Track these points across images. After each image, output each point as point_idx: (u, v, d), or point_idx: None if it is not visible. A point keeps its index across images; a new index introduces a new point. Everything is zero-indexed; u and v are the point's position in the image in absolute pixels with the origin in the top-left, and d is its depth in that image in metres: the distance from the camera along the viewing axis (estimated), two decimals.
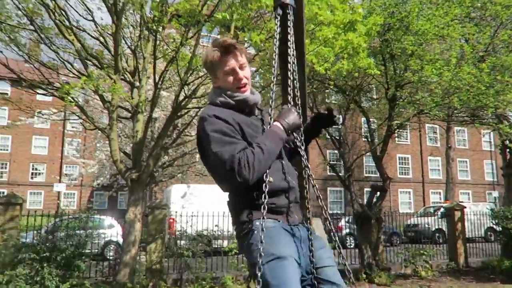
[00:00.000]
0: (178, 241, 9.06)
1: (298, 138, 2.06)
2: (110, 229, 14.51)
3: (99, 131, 17.27)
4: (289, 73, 2.33)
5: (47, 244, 6.91)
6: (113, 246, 14.43)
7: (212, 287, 8.01)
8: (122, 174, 7.57)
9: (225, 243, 9.90)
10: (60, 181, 19.90)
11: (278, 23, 2.21)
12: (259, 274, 1.62)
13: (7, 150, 35.52)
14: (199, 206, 10.35)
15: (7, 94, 34.03)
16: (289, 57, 2.36)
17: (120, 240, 12.95)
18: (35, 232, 8.08)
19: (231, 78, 1.91)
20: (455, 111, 10.73)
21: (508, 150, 12.47)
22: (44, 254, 6.68)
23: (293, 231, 1.83)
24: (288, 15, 2.26)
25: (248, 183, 1.70)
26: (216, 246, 9.41)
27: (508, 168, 12.97)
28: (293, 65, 2.35)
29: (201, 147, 1.84)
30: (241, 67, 1.93)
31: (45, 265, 6.62)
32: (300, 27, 2.58)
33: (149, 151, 7.96)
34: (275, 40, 2.19)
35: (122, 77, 7.76)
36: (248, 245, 1.75)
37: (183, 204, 11.12)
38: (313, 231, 1.96)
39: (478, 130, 16.99)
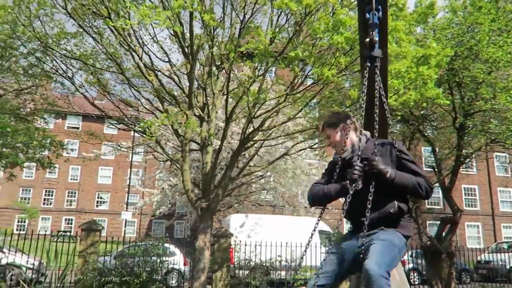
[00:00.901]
0: (237, 271, 9.18)
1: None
2: (172, 257, 14.95)
3: (162, 163, 18.28)
4: (376, 118, 2.54)
5: (127, 269, 7.33)
6: (175, 273, 14.80)
7: None
8: (193, 204, 7.93)
9: (283, 273, 9.85)
10: (127, 210, 20.92)
11: (367, 75, 2.46)
12: None
13: (76, 180, 38.22)
14: (264, 236, 10.46)
15: (78, 128, 37.06)
16: (376, 101, 2.56)
17: (182, 268, 13.31)
18: (108, 257, 8.59)
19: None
20: None
21: None
22: (124, 278, 7.09)
23: None
24: (376, 67, 2.47)
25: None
26: (273, 277, 9.39)
27: None
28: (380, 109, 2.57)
29: None
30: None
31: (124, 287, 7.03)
32: (385, 75, 2.80)
33: (218, 181, 8.29)
34: (363, 87, 2.43)
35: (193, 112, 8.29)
36: None
37: (248, 233, 11.28)
38: None
39: None
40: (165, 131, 11.23)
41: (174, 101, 8.04)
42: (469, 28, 7.83)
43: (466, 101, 8.40)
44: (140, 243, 8.95)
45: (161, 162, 18.61)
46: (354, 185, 2.52)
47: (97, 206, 38.49)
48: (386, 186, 2.44)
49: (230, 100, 8.03)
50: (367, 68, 2.55)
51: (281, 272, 9.65)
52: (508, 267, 16.53)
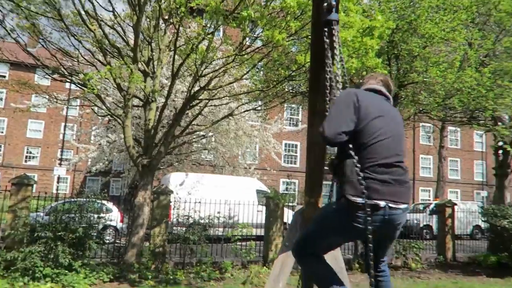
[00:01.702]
0: (175, 227, 9.35)
1: None
2: (109, 213, 14.73)
3: (100, 118, 17.51)
4: (328, 79, 2.69)
5: (62, 225, 7.16)
6: (111, 230, 14.66)
7: (212, 271, 8.33)
8: (134, 160, 7.83)
9: (220, 230, 10.21)
10: (60, 165, 19.97)
11: (327, 39, 2.57)
12: None
13: (2, 132, 35.44)
14: (204, 194, 10.65)
15: (4, 76, 33.87)
16: (328, 63, 2.71)
17: (119, 225, 13.20)
18: (39, 213, 8.30)
19: None
20: (452, 112, 11.14)
21: (501, 151, 12.96)
22: (59, 233, 6.94)
23: None
24: (334, 30, 2.58)
25: None
26: (211, 233, 9.68)
27: (500, 168, 13.47)
28: (332, 73, 2.71)
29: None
30: None
31: (58, 243, 6.89)
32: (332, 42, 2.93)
33: (160, 138, 8.22)
34: (327, 52, 2.54)
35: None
36: None
37: (189, 191, 11.39)
38: None
39: (471, 131, 17.49)
40: (106, 85, 10.72)
41: (117, 54, 7.66)
42: (411, 3, 8.24)
43: (402, 72, 8.96)
44: (75, 199, 8.70)
45: (100, 118, 17.85)
46: None
47: (26, 161, 36.20)
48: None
49: (176, 57, 7.83)
50: (325, 32, 2.62)
51: (219, 228, 9.97)
52: (421, 225, 18.50)
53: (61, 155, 20.88)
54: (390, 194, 2.28)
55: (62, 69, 7.98)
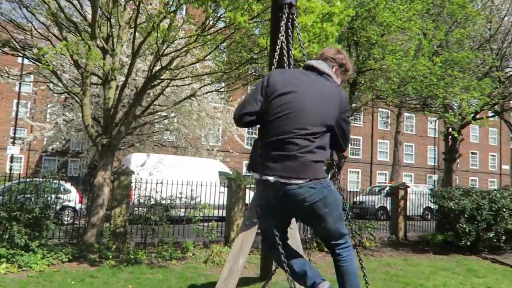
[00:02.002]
0: (135, 208, 9.33)
1: None
2: (67, 194, 14.37)
3: (56, 96, 16.82)
4: (286, 60, 2.82)
5: (18, 205, 6.97)
6: (69, 211, 14.34)
7: (174, 251, 8.43)
8: (93, 140, 7.68)
9: (182, 211, 10.29)
10: (14, 144, 19.07)
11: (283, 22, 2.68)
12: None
13: None
14: (166, 175, 10.63)
15: None
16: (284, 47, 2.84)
17: (77, 206, 12.93)
18: None
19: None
20: (407, 99, 11.66)
21: (450, 137, 13.78)
22: (14, 214, 6.76)
23: None
24: (290, 14, 2.69)
25: None
26: (172, 215, 9.73)
27: (449, 153, 14.34)
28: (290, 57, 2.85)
29: (348, 116, 2.51)
30: None
31: (14, 224, 6.72)
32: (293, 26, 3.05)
33: (119, 118, 8.09)
34: (280, 35, 2.64)
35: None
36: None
37: (150, 171, 11.31)
38: None
39: (425, 118, 18.37)
40: (62, 61, 10.30)
41: (74, 29, 7.39)
42: None
43: (361, 59, 9.25)
44: (32, 179, 8.44)
45: (55, 95, 17.12)
46: None
47: None
48: None
49: (137, 34, 7.67)
50: (282, 15, 2.72)
51: (181, 209, 10.03)
52: (376, 206, 19.41)
53: (14, 133, 19.90)
54: (282, 170, 2.27)
55: (14, 42, 7.60)
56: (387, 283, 7.28)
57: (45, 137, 17.00)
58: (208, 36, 7.29)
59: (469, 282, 7.69)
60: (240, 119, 2.46)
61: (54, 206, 7.66)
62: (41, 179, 7.71)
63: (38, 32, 8.37)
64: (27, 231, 6.86)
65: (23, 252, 6.72)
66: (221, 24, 7.97)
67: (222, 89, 10.22)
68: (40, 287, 5.75)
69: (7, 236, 6.79)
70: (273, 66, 3.24)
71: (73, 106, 16.16)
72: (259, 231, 2.90)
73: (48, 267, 6.79)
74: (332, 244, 2.56)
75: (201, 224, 9.67)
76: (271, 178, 2.30)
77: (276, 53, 2.91)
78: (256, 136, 2.63)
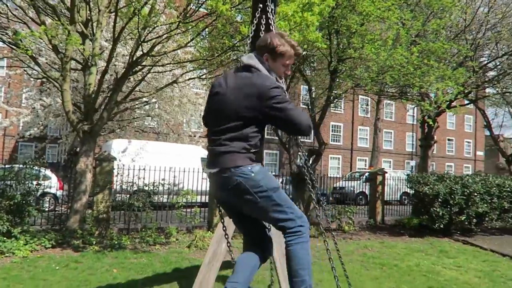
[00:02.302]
0: (118, 194, 9.36)
1: None
2: (47, 181, 14.21)
3: (32, 80, 16.45)
4: None
5: None
6: (50, 197, 14.21)
7: (157, 236, 8.54)
8: (74, 126, 7.64)
9: (165, 197, 10.37)
10: None
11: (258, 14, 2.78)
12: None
13: None
14: (148, 161, 10.66)
15: None
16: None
17: (58, 193, 12.84)
18: None
19: (283, 69, 2.59)
20: (386, 87, 11.93)
21: (426, 124, 14.18)
22: None
23: None
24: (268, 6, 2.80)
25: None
26: (154, 201, 9.81)
27: (425, 140, 14.80)
28: None
29: (276, 102, 2.37)
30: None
31: None
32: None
33: (99, 104, 8.04)
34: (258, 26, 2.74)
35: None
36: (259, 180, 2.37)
37: (133, 158, 11.31)
38: None
39: (404, 105, 18.79)
40: (39, 45, 10.10)
41: (52, 12, 7.27)
42: None
43: (341, 47, 9.40)
44: (11, 165, 8.36)
45: (32, 79, 16.73)
46: None
47: None
48: None
49: (118, 19, 7.59)
50: (261, 5, 2.83)
51: (164, 195, 10.11)
52: (356, 192, 19.89)
53: None
54: (208, 163, 2.53)
55: None
56: (364, 264, 7.60)
57: (21, 122, 16.65)
58: (190, 23, 7.29)
59: (441, 262, 8.09)
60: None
61: (35, 192, 7.63)
62: (21, 166, 7.65)
63: (14, 15, 8.19)
64: (8, 217, 6.86)
65: (5, 238, 6.72)
66: (202, 10, 7.97)
67: (204, 76, 10.22)
68: (25, 273, 5.80)
69: None
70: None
71: (51, 91, 15.84)
72: None
73: (31, 253, 6.82)
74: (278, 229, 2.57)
75: (184, 210, 9.79)
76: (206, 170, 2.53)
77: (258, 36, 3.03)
78: None
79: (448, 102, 11.26)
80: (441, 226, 10.97)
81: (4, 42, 7.32)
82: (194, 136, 18.45)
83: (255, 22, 2.99)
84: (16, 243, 6.74)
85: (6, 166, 8.48)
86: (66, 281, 5.52)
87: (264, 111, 2.35)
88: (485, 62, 14.92)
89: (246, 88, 2.38)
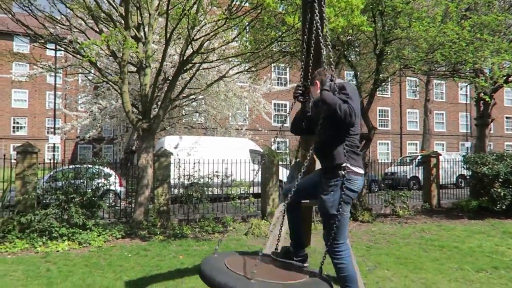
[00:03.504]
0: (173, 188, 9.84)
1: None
2: (109, 178, 15.13)
3: (88, 85, 17.50)
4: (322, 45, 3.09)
5: (74, 187, 7.60)
6: (111, 194, 15.14)
7: (215, 225, 8.95)
8: (134, 125, 8.15)
9: (219, 189, 10.76)
10: (54, 134, 20.12)
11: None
12: None
13: None
14: (201, 155, 11.11)
15: None
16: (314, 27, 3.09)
17: (118, 189, 13.68)
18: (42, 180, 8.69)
19: None
20: (436, 66, 11.53)
21: (482, 102, 13.54)
22: (71, 196, 7.39)
23: None
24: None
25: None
26: (210, 192, 10.19)
27: (481, 118, 14.13)
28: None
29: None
30: None
31: (71, 205, 7.36)
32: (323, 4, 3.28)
33: (159, 103, 8.49)
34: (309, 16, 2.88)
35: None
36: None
37: (188, 152, 11.82)
38: None
39: (456, 84, 17.99)
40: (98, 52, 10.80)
41: (108, 20, 7.79)
42: None
43: (386, 29, 9.22)
44: (80, 165, 9.07)
45: (88, 85, 17.84)
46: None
47: (13, 131, 36.06)
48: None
49: (161, 20, 7.93)
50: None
51: (218, 187, 10.52)
52: (408, 177, 19.40)
53: (54, 123, 20.96)
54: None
55: (54, 37, 8.08)
56: (423, 247, 7.53)
57: (80, 125, 17.78)
58: (237, 19, 7.51)
59: (505, 243, 7.83)
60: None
61: (103, 188, 8.26)
62: (89, 165, 8.29)
63: (74, 27, 8.83)
64: (83, 211, 7.51)
65: (81, 230, 7.38)
66: (246, 4, 8.15)
67: (250, 69, 10.44)
68: (102, 260, 6.36)
69: (66, 217, 7.46)
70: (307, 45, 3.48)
71: (105, 94, 16.84)
72: None
73: (104, 243, 7.44)
74: None
75: (238, 200, 10.14)
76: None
77: (312, 33, 3.16)
78: (285, 114, 3.06)
79: (505, 77, 10.69)
80: (503, 207, 10.53)
81: (68, 52, 7.94)
82: (241, 129, 18.81)
83: (308, 11, 3.12)
84: (91, 235, 7.38)
85: (76, 166, 9.23)
86: (139, 267, 6.00)
87: None
88: None
89: None
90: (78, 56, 8.05)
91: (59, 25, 8.18)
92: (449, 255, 6.89)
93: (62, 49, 8.16)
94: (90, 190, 7.79)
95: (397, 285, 5.25)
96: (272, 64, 11.93)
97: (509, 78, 11.58)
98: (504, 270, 5.96)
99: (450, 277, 5.60)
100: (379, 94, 30.03)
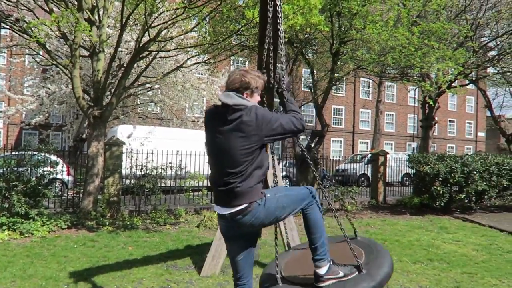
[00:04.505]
0: (124, 179, 9.63)
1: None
2: (55, 167, 14.48)
3: (36, 68, 16.58)
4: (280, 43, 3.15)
5: (16, 175, 7.21)
6: (58, 183, 14.51)
7: (167, 217, 8.86)
8: (85, 111, 7.86)
9: (173, 181, 10.66)
10: None
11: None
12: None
13: None
14: (155, 145, 10.92)
15: None
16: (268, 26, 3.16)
17: (65, 178, 13.14)
18: None
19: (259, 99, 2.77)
20: (387, 68, 12.09)
21: (427, 105, 14.36)
22: (13, 183, 7.01)
23: None
24: None
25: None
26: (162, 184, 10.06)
27: (426, 120, 14.99)
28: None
29: (265, 122, 2.52)
30: None
31: (13, 193, 6.98)
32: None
33: (112, 90, 8.24)
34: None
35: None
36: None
37: (141, 142, 11.56)
38: None
39: (405, 86, 18.93)
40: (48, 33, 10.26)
41: (61, 0, 7.42)
42: None
43: (343, 29, 9.52)
44: (23, 152, 8.60)
45: (35, 67, 16.88)
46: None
47: None
48: None
49: (117, 4, 7.70)
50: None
51: (171, 179, 10.40)
52: (358, 174, 20.19)
53: None
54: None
55: (0, 14, 7.60)
56: None
57: (26, 110, 16.83)
58: (196, 9, 7.43)
59: (441, 237, 8.40)
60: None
61: (48, 176, 7.91)
62: (33, 152, 7.90)
63: (22, 4, 8.34)
64: (26, 200, 7.14)
65: (23, 220, 7.02)
66: None
67: (208, 61, 10.38)
68: (45, 251, 6.11)
69: (6, 205, 7.07)
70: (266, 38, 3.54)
71: (54, 78, 16.02)
72: None
73: (49, 233, 7.14)
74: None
75: (191, 192, 10.09)
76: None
77: (268, 25, 3.21)
78: None
79: (448, 83, 11.41)
80: (442, 204, 11.25)
81: (14, 30, 7.49)
82: (197, 121, 18.67)
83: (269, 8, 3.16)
84: (34, 224, 7.04)
85: (18, 152, 8.74)
86: (85, 257, 5.83)
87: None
88: (485, 41, 14.99)
89: (232, 129, 2.52)
90: (25, 36, 7.62)
91: (5, 1, 7.67)
92: (390, 248, 7.29)
93: (7, 27, 7.68)
94: (34, 178, 7.41)
95: None
96: (231, 57, 11.94)
97: (452, 84, 12.36)
98: (437, 262, 6.42)
99: None
100: (334, 93, 30.94)
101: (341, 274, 2.68)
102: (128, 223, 8.12)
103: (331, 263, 2.73)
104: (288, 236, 4.33)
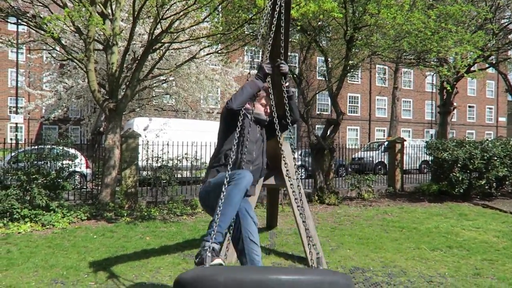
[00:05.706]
0: (141, 171, 9.74)
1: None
2: (75, 160, 14.76)
3: (53, 63, 16.82)
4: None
5: (36, 168, 7.38)
6: (77, 176, 14.81)
7: (184, 208, 8.95)
8: (100, 104, 7.96)
9: (189, 172, 10.74)
10: (17, 113, 19.30)
11: None
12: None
13: None
14: (170, 137, 11.00)
15: None
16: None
17: (84, 171, 13.38)
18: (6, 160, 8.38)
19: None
20: (403, 54, 11.82)
21: (445, 90, 14.04)
22: (33, 176, 7.18)
23: None
24: None
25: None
26: (179, 175, 10.15)
27: (444, 106, 14.68)
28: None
29: None
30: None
31: (33, 186, 7.15)
32: None
33: (125, 82, 8.32)
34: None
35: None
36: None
37: (157, 134, 11.67)
38: None
39: (422, 72, 18.51)
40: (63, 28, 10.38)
41: None
42: None
43: (356, 15, 9.33)
44: (43, 146, 8.79)
45: (52, 63, 17.14)
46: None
47: None
48: None
49: None
50: None
51: (187, 171, 10.49)
52: (375, 162, 19.99)
53: (16, 102, 20.09)
54: None
55: (16, 11, 7.72)
56: (384, 228, 7.85)
57: (45, 105, 17.16)
58: None
59: (460, 224, 8.27)
60: None
61: (68, 169, 8.07)
62: (52, 146, 8.06)
63: (37, 0, 8.45)
64: (46, 192, 7.32)
65: (44, 212, 7.20)
66: None
67: (221, 51, 10.35)
68: (66, 241, 6.27)
69: (28, 198, 7.26)
70: (272, 26, 3.50)
71: (71, 73, 16.26)
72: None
73: (69, 224, 7.31)
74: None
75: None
76: None
77: (275, 13, 3.18)
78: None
79: (467, 67, 11.11)
80: (461, 191, 11.07)
81: (30, 27, 7.60)
82: (212, 112, 18.71)
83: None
84: (55, 216, 7.22)
85: (39, 146, 8.94)
86: (104, 248, 5.96)
87: None
88: (506, 23, 14.52)
89: None
90: (41, 31, 7.73)
91: None
92: (408, 235, 7.22)
93: (24, 23, 7.80)
94: (53, 171, 7.57)
95: (358, 264, 5.48)
96: (244, 47, 11.88)
97: (471, 68, 12.04)
98: (457, 249, 6.33)
99: (408, 256, 5.89)
100: (349, 80, 30.51)
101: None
102: (146, 213, 8.24)
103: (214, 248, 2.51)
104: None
